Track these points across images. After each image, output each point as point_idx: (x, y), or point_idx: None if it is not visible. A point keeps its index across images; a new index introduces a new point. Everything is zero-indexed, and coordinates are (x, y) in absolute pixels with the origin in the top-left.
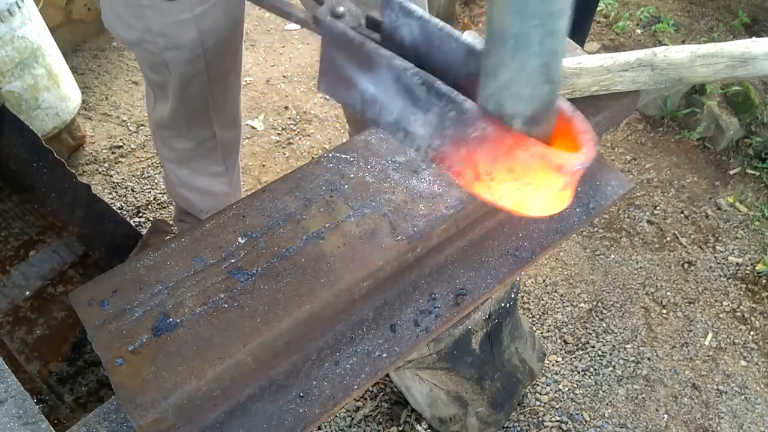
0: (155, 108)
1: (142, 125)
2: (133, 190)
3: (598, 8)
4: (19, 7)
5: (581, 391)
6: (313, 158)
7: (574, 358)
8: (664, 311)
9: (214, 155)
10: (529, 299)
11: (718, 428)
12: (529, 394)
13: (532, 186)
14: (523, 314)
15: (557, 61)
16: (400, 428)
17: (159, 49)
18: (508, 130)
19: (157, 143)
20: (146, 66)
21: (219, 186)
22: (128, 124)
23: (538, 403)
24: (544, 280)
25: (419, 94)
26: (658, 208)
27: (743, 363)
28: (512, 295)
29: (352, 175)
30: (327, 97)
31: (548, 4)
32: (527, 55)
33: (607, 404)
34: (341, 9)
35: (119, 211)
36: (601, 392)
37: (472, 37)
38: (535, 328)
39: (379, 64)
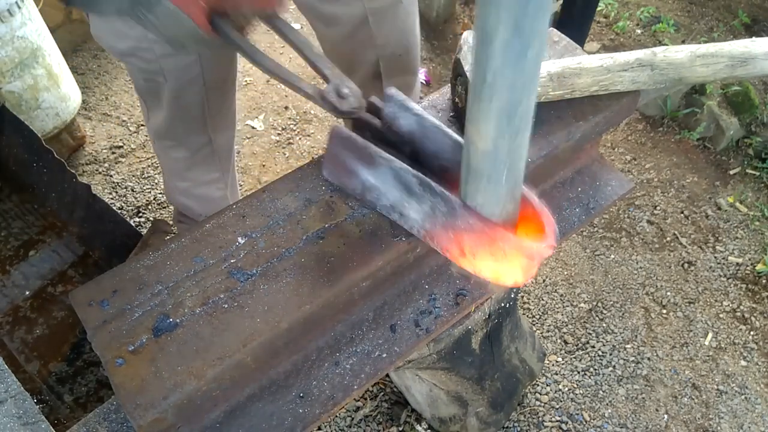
0: (150, 119)
1: (142, 125)
2: (133, 190)
3: (598, 8)
4: (19, 8)
5: (581, 391)
6: (313, 158)
7: (574, 358)
8: (664, 311)
9: (211, 162)
10: (529, 299)
11: (718, 428)
12: (529, 394)
13: (505, 263)
14: (523, 314)
15: (519, 187)
16: (400, 428)
17: (155, 56)
18: (490, 225)
19: (157, 152)
20: (139, 76)
21: (216, 192)
22: (128, 124)
23: (538, 403)
24: (544, 280)
25: (415, 189)
26: (658, 208)
27: (743, 363)
28: (512, 295)
29: None
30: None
31: (512, 153)
32: (497, 186)
33: (607, 404)
34: (345, 90)
35: (119, 211)
36: (601, 392)
37: (471, 37)
38: (535, 328)
39: (379, 163)
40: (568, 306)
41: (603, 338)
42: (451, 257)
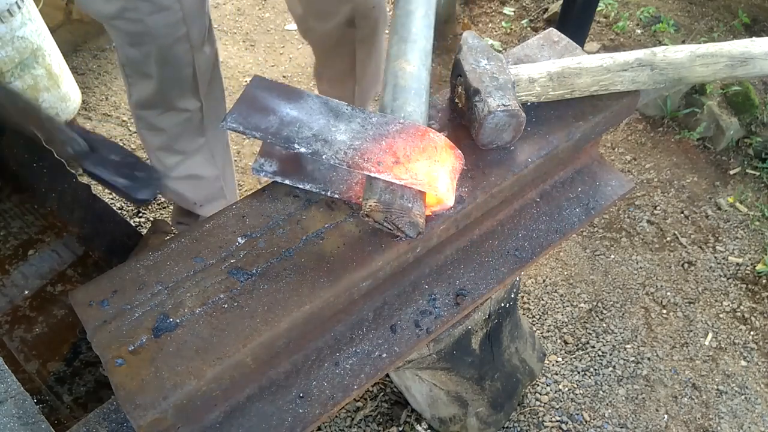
0: (133, 93)
1: None
2: None
3: (598, 8)
4: (19, 8)
5: (581, 391)
6: None
7: (574, 358)
8: (664, 311)
9: (200, 131)
10: (529, 299)
11: (718, 428)
12: (529, 394)
13: (438, 163)
14: (523, 314)
15: (427, 108)
16: (400, 428)
17: (143, 14)
18: (419, 126)
19: (141, 132)
20: (125, 41)
21: (208, 169)
22: (128, 124)
23: (538, 403)
24: (544, 280)
25: (344, 110)
26: (658, 208)
27: (743, 363)
28: (512, 295)
29: None
30: (237, 128)
31: (426, 78)
32: (421, 98)
33: (607, 404)
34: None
35: (119, 211)
36: (601, 392)
37: (471, 37)
38: (535, 328)
39: (306, 97)
40: (568, 306)
41: (603, 338)
42: (385, 169)
